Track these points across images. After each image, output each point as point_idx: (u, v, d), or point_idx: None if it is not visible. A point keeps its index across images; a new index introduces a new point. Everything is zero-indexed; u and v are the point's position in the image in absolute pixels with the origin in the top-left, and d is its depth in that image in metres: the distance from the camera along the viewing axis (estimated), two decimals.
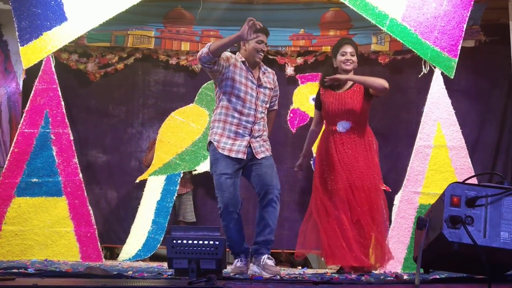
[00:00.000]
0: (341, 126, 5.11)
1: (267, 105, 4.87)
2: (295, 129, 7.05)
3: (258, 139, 4.74)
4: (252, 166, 4.73)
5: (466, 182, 3.11)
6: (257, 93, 4.74)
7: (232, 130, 4.68)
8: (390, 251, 5.10)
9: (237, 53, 4.83)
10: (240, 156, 4.64)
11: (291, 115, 7.05)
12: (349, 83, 5.18)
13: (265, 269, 4.46)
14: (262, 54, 4.78)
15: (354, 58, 5.16)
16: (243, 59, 4.76)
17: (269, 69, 4.98)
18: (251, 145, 4.69)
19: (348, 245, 4.87)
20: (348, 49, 5.15)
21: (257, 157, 4.70)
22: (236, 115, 4.69)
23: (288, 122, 7.03)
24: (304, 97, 6.98)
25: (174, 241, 3.33)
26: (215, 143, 4.68)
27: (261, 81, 4.80)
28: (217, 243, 3.32)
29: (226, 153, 4.64)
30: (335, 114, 5.14)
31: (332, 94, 5.18)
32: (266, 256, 4.59)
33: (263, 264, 4.52)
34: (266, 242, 4.65)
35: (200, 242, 3.31)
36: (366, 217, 4.96)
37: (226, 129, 4.69)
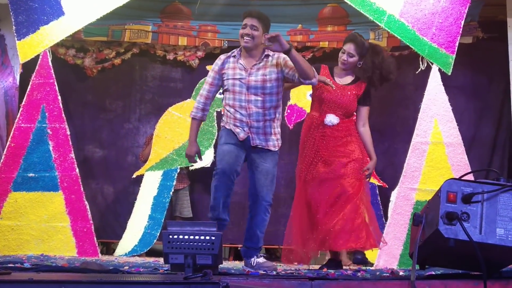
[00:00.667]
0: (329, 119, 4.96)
1: (269, 91, 4.59)
2: (292, 125, 7.05)
3: (258, 130, 4.61)
4: (251, 163, 4.67)
5: (462, 178, 3.12)
6: (247, 83, 4.59)
7: (231, 125, 4.66)
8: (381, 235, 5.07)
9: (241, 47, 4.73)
10: (241, 135, 4.60)
11: (289, 111, 7.04)
12: (351, 78, 5.07)
13: (260, 268, 4.46)
14: (249, 38, 4.56)
15: (351, 60, 4.95)
16: (235, 53, 4.70)
17: (277, 55, 4.66)
18: (250, 136, 4.61)
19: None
20: (350, 47, 4.94)
21: (252, 144, 4.59)
22: (231, 110, 4.65)
23: (286, 118, 7.01)
24: (301, 93, 6.96)
25: (170, 236, 3.33)
26: (221, 126, 4.75)
27: (254, 68, 4.61)
28: (214, 238, 3.31)
29: (229, 127, 4.64)
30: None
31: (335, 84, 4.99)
32: (255, 257, 4.61)
33: (254, 265, 4.53)
34: (254, 249, 4.67)
35: (196, 237, 3.30)
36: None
37: (230, 123, 4.68)
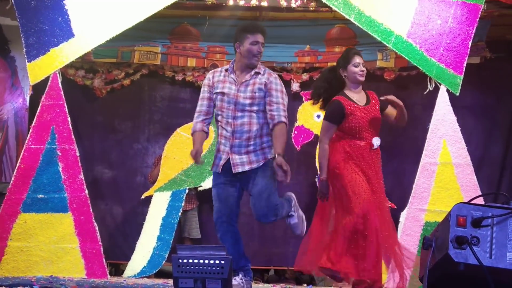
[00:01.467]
0: (376, 142, 4.95)
1: (255, 108, 4.51)
2: (299, 146, 7.04)
3: (240, 149, 4.50)
4: (244, 187, 4.61)
5: (472, 202, 3.12)
6: (236, 97, 4.52)
7: (217, 143, 4.66)
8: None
9: (232, 61, 4.72)
10: (218, 170, 4.57)
11: (296, 132, 7.03)
12: (366, 97, 5.05)
13: None
14: (259, 56, 4.54)
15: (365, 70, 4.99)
16: (227, 67, 4.66)
17: (270, 71, 4.64)
18: (230, 158, 4.51)
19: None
20: (360, 60, 4.95)
21: (233, 171, 4.48)
22: (219, 125, 4.62)
23: (293, 140, 7.01)
24: (309, 114, 6.97)
25: (180, 260, 3.33)
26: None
27: (243, 83, 4.55)
28: (223, 262, 3.32)
29: (214, 168, 4.65)
30: (364, 128, 4.92)
31: (360, 107, 4.93)
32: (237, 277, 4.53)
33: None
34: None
35: (206, 261, 3.30)
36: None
37: (217, 142, 4.67)
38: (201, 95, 4.72)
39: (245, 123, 4.51)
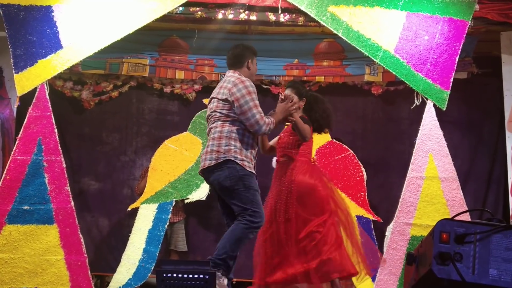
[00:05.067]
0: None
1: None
2: None
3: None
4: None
5: (455, 218, 3.13)
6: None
7: (249, 147, 4.82)
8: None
9: (230, 71, 4.93)
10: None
11: None
12: None
13: None
14: None
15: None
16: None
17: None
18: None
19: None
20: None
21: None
22: (249, 135, 4.83)
23: None
24: None
25: (164, 275, 3.33)
26: (241, 164, 4.74)
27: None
28: (207, 277, 3.31)
29: (254, 171, 4.80)
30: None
31: None
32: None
33: None
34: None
35: (190, 276, 3.30)
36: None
37: (250, 147, 4.85)
38: (255, 102, 4.75)
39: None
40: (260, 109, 4.70)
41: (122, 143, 7.52)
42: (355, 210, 6.64)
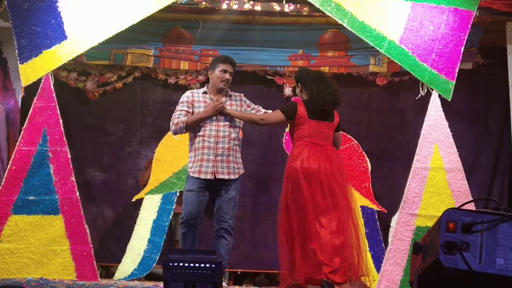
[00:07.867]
0: None
1: (234, 124, 5.29)
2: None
3: (222, 157, 5.19)
4: (217, 192, 5.24)
5: (462, 208, 3.12)
6: (216, 115, 5.24)
7: (199, 154, 5.20)
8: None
9: (207, 85, 5.46)
10: (208, 177, 5.17)
11: (287, 137, 7.05)
12: None
13: None
14: (226, 82, 5.32)
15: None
16: (205, 90, 5.41)
17: (237, 94, 5.48)
18: (215, 165, 5.18)
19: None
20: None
21: (217, 177, 5.16)
22: (200, 139, 5.23)
23: (284, 145, 7.03)
24: None
25: (171, 264, 3.33)
26: (187, 169, 5.31)
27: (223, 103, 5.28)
28: (214, 266, 3.32)
29: (195, 175, 5.19)
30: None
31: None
32: None
33: None
34: None
35: (197, 265, 3.30)
36: None
37: (196, 155, 5.22)
38: (180, 108, 5.34)
39: (228, 137, 5.26)
40: (178, 112, 5.30)
41: (126, 134, 7.52)
42: (360, 200, 6.64)
